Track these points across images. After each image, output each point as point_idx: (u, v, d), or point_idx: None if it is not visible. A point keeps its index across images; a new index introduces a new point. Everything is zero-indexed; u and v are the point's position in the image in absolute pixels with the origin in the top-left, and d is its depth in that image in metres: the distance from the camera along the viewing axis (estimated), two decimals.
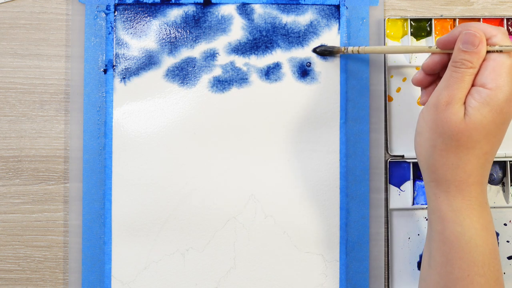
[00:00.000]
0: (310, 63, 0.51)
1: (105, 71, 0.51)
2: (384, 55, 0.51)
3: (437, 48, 0.43)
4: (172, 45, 0.51)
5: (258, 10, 0.51)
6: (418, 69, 0.52)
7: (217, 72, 0.51)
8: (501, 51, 0.39)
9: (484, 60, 0.39)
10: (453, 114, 0.38)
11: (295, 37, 0.51)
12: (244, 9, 0.51)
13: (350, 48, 0.49)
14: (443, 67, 0.43)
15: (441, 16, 0.52)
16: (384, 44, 0.51)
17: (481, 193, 0.40)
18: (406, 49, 0.46)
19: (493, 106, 0.38)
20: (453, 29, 0.41)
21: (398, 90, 0.52)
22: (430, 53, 0.44)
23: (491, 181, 0.52)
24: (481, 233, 0.39)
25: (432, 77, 0.44)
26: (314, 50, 0.51)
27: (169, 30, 0.51)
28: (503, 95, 0.38)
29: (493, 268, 0.39)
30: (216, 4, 0.51)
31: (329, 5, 0.51)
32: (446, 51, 0.42)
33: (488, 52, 0.39)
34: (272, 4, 0.51)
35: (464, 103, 0.39)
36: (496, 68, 0.38)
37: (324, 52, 0.51)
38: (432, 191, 0.41)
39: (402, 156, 0.51)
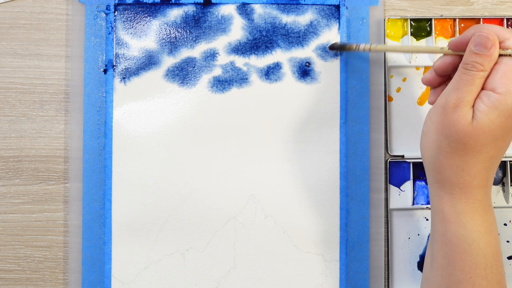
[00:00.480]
0: (310, 63, 0.50)
1: (105, 71, 0.50)
2: (384, 55, 0.51)
3: (449, 49, 0.41)
4: (172, 45, 0.50)
5: (258, 10, 0.51)
6: (418, 69, 0.51)
7: (217, 72, 0.50)
8: None
9: (495, 63, 0.38)
10: (461, 117, 0.37)
11: (295, 37, 0.50)
12: (244, 9, 0.51)
13: (361, 46, 0.48)
14: (455, 68, 0.41)
15: (441, 16, 0.51)
16: (384, 44, 0.51)
17: (485, 196, 0.39)
18: (417, 49, 0.45)
19: (502, 111, 0.37)
20: (466, 31, 0.40)
21: (398, 90, 0.51)
22: (441, 54, 0.42)
23: None
24: (484, 236, 0.38)
25: (443, 78, 0.43)
26: (331, 47, 0.50)
27: (169, 30, 0.50)
28: None
29: (495, 271, 0.38)
30: (216, 4, 0.50)
31: (329, 5, 0.51)
32: (458, 52, 0.41)
33: (500, 55, 0.38)
34: (272, 4, 0.50)
35: (473, 106, 0.38)
36: (507, 72, 0.37)
37: (338, 48, 0.50)
38: (435, 192, 0.40)
39: (402, 156, 0.50)
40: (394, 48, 0.47)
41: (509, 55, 0.38)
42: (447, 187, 0.39)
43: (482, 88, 0.38)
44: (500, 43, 0.38)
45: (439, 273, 0.39)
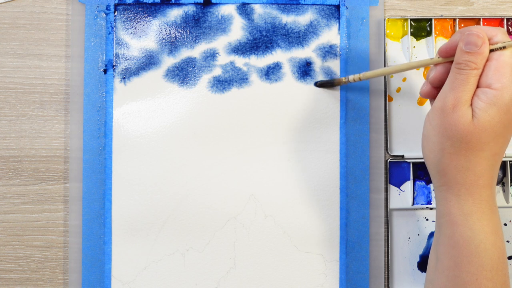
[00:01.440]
0: (310, 63, 0.49)
1: (105, 71, 0.49)
2: (384, 55, 0.49)
3: (440, 58, 0.40)
4: (172, 45, 0.49)
5: (258, 10, 0.49)
6: (418, 69, 0.50)
7: (217, 72, 0.49)
8: (504, 47, 0.37)
9: (487, 60, 0.37)
10: (461, 116, 0.36)
11: (295, 37, 0.49)
12: (244, 9, 0.49)
13: (351, 77, 0.46)
14: None
15: (441, 16, 0.50)
16: (384, 44, 0.49)
17: (491, 196, 0.38)
18: (408, 66, 0.43)
19: (500, 106, 0.36)
20: (452, 36, 0.39)
21: (398, 90, 0.50)
22: (434, 65, 0.41)
23: None
24: (491, 237, 0.37)
25: (439, 88, 0.41)
26: (315, 84, 0.49)
27: (169, 30, 0.49)
28: (509, 95, 0.36)
29: (501, 272, 0.37)
30: (216, 4, 0.49)
31: (329, 5, 0.49)
32: (450, 59, 0.39)
33: (491, 51, 0.37)
34: (272, 4, 0.49)
35: (471, 105, 0.37)
36: (499, 67, 0.36)
37: (326, 85, 0.48)
38: (442, 195, 0.39)
39: (402, 156, 0.49)
40: (383, 71, 0.44)
41: (500, 48, 0.37)
42: (453, 188, 0.38)
43: (477, 86, 0.37)
44: (488, 39, 0.37)
45: (444, 274, 0.38)
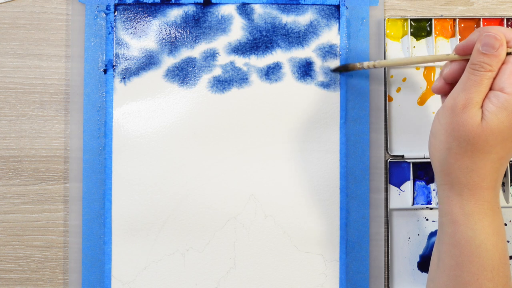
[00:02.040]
0: (310, 63, 0.49)
1: (105, 71, 0.48)
2: (384, 55, 0.49)
3: (456, 55, 0.39)
4: (172, 45, 0.49)
5: (258, 10, 0.49)
6: (418, 69, 0.50)
7: (217, 72, 0.49)
8: None
9: (503, 63, 0.36)
10: (470, 117, 0.36)
11: (295, 37, 0.49)
12: (244, 9, 0.49)
13: (365, 63, 0.46)
14: None
15: (441, 16, 0.50)
16: (384, 44, 0.49)
17: (494, 198, 0.38)
18: (424, 59, 0.42)
19: (511, 111, 0.35)
20: (470, 34, 0.38)
21: (398, 90, 0.50)
22: (447, 61, 0.40)
23: None
24: (492, 238, 0.37)
25: (453, 85, 0.40)
26: (335, 70, 0.48)
27: (169, 30, 0.49)
28: None
29: (502, 273, 0.37)
30: (216, 4, 0.49)
31: (329, 5, 0.49)
32: (466, 57, 0.39)
33: (508, 54, 0.36)
34: (272, 4, 0.49)
35: (481, 106, 0.36)
36: None
37: (341, 70, 0.48)
38: (445, 193, 0.39)
39: (402, 156, 0.49)
40: (399, 61, 0.44)
41: None
42: (456, 188, 0.38)
43: (490, 89, 0.37)
44: (506, 42, 0.37)
45: (445, 274, 0.38)
